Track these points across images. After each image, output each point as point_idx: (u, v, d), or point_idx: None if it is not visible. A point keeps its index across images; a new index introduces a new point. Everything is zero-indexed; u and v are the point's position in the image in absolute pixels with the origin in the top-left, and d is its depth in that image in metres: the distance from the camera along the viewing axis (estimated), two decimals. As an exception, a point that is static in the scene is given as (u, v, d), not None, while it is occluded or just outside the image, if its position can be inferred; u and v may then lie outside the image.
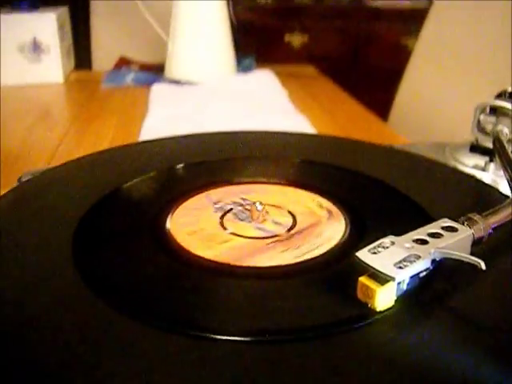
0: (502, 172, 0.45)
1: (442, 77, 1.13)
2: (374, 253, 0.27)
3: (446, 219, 0.30)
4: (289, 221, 0.37)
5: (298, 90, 1.04)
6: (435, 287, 0.28)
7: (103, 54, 1.47)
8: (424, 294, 0.27)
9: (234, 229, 0.36)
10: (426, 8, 1.22)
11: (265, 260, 0.32)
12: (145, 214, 0.38)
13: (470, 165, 0.50)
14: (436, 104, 1.12)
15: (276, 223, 0.36)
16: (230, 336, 0.25)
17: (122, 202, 0.40)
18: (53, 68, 1.07)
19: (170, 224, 0.36)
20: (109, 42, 1.49)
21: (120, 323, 0.25)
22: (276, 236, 0.35)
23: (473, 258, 0.27)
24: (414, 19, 1.38)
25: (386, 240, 0.28)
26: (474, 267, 0.26)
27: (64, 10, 1.15)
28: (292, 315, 0.27)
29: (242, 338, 0.25)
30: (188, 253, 0.33)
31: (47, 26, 1.05)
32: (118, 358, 0.23)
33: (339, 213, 0.38)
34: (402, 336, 0.25)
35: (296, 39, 2.07)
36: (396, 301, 0.26)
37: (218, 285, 0.30)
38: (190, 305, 0.27)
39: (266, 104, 0.92)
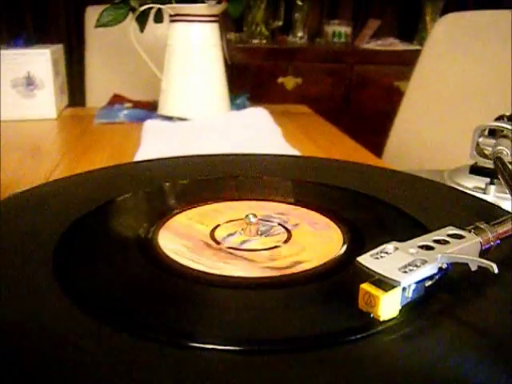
0: (503, 194, 0.44)
1: (434, 117, 1.14)
2: (377, 258, 0.25)
3: (451, 227, 0.29)
4: (284, 235, 0.36)
5: (292, 127, 1.05)
6: (441, 298, 0.27)
7: (97, 92, 1.48)
8: (430, 305, 0.26)
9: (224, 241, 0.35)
10: (418, 51, 1.24)
11: (261, 271, 0.31)
12: (129, 228, 0.37)
13: (470, 187, 0.49)
14: (429, 143, 1.13)
15: (270, 236, 0.36)
16: (223, 346, 0.23)
17: (105, 218, 0.39)
18: (46, 104, 1.07)
19: (157, 237, 0.35)
20: (103, 80, 1.50)
21: (104, 334, 0.24)
22: (270, 248, 0.34)
23: (484, 260, 0.25)
24: (406, 62, 1.40)
25: (389, 246, 0.26)
26: (484, 272, 0.25)
27: (59, 48, 1.16)
28: (288, 326, 0.25)
29: (234, 348, 0.23)
30: (173, 263, 0.32)
31: (41, 62, 1.05)
32: (102, 368, 0.22)
33: (337, 227, 0.37)
34: (407, 348, 0.23)
35: (289, 81, 2.09)
36: (400, 311, 0.25)
37: (207, 294, 0.29)
38: (175, 314, 0.26)
39: (259, 139, 0.92)
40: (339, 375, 0.22)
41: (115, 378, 0.21)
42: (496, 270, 0.25)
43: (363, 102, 2.15)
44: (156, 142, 0.88)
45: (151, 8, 1.02)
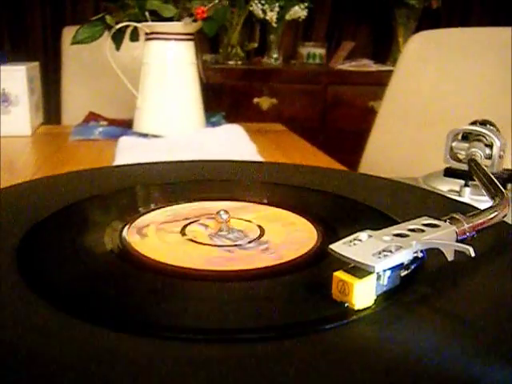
0: (477, 196, 0.45)
1: (406, 134, 1.16)
2: (350, 245, 0.25)
3: (426, 217, 0.29)
4: (256, 233, 0.36)
5: (267, 143, 1.05)
6: (417, 289, 0.26)
7: (72, 110, 1.48)
8: (405, 295, 0.26)
9: (194, 236, 0.35)
10: (392, 71, 1.26)
11: (235, 263, 0.31)
12: (96, 225, 0.37)
13: (445, 190, 0.50)
14: (402, 160, 1.14)
15: (240, 232, 0.36)
16: (200, 335, 0.23)
17: (71, 218, 0.39)
18: (21, 120, 1.07)
19: (125, 233, 0.35)
20: (78, 99, 1.50)
21: (69, 324, 0.24)
22: (237, 245, 0.34)
23: (460, 244, 0.25)
24: (380, 82, 1.42)
25: (363, 234, 0.26)
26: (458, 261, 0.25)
27: (35, 65, 1.16)
28: (263, 316, 0.25)
29: (209, 337, 0.23)
30: (139, 256, 0.32)
31: (17, 78, 1.05)
32: (68, 358, 0.22)
33: (310, 224, 0.37)
34: (381, 337, 0.23)
35: (265, 101, 2.10)
36: (375, 300, 0.24)
37: (182, 287, 0.29)
38: (137, 304, 0.26)
39: (234, 155, 0.92)
40: (314, 363, 0.21)
41: (81, 368, 0.21)
42: (473, 254, 0.24)
43: (338, 121, 2.16)
44: (130, 158, 0.88)
45: (127, 26, 1.03)
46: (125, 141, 0.98)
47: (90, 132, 1.07)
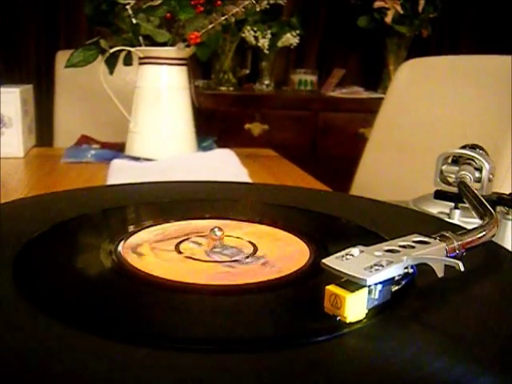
0: (467, 218, 0.45)
1: (396, 160, 1.17)
2: (342, 260, 0.25)
3: (416, 234, 0.29)
4: (249, 249, 0.36)
5: (258, 168, 1.06)
6: (408, 304, 0.27)
7: (65, 134, 1.48)
8: (396, 310, 0.26)
9: (190, 253, 0.35)
10: (382, 99, 1.27)
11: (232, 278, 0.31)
12: (90, 242, 0.37)
13: (435, 212, 0.50)
14: (392, 186, 1.15)
15: (235, 248, 0.36)
16: (193, 345, 0.24)
17: (69, 233, 0.40)
18: (13, 142, 1.07)
19: (121, 248, 0.36)
20: (71, 122, 1.51)
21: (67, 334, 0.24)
22: (235, 261, 0.34)
23: (450, 259, 0.25)
24: (371, 109, 1.43)
25: (355, 249, 0.26)
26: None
27: (29, 88, 1.16)
28: (256, 328, 0.26)
29: (204, 347, 0.23)
30: (134, 270, 0.32)
31: (11, 100, 1.05)
32: (62, 365, 0.22)
33: (302, 242, 0.38)
34: (373, 350, 0.23)
35: (256, 127, 2.12)
36: (367, 314, 0.25)
37: (195, 302, 0.29)
38: (132, 315, 0.27)
39: (225, 178, 0.92)
40: (305, 375, 0.22)
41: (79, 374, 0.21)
42: (462, 268, 0.25)
43: (329, 148, 2.18)
44: (122, 180, 0.88)
45: (121, 50, 1.04)
46: (117, 163, 0.99)
47: (82, 154, 1.07)
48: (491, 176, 0.48)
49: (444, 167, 0.50)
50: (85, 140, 1.21)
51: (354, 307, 0.24)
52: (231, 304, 0.29)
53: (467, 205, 0.42)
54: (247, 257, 0.35)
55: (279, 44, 2.24)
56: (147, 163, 1.00)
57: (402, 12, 2.17)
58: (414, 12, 2.19)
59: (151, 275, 0.32)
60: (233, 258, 0.35)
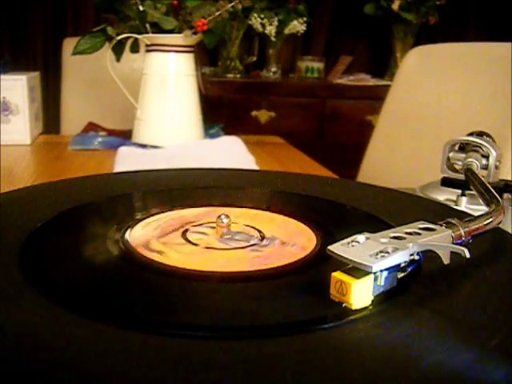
0: (474, 205, 0.45)
1: (404, 147, 1.17)
2: (348, 247, 0.25)
3: (423, 221, 0.29)
4: (256, 233, 0.36)
5: (265, 155, 1.06)
6: (414, 291, 0.27)
7: (72, 121, 1.48)
8: (402, 296, 0.26)
9: (205, 243, 0.35)
10: (389, 86, 1.27)
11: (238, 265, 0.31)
12: (97, 229, 0.38)
13: (442, 199, 0.50)
14: (399, 173, 1.15)
15: (243, 233, 0.36)
16: (206, 332, 0.24)
17: (76, 220, 0.40)
18: (20, 130, 1.07)
19: (128, 236, 0.36)
20: (78, 109, 1.51)
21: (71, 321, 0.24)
22: (253, 245, 0.34)
23: (456, 246, 0.25)
24: (378, 97, 1.43)
25: (361, 236, 0.26)
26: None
27: (36, 75, 1.17)
28: (265, 315, 0.26)
29: (212, 334, 0.24)
30: (141, 257, 0.32)
31: (18, 88, 1.06)
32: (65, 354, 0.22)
33: (309, 229, 0.37)
34: (379, 336, 0.23)
35: (263, 115, 2.11)
36: (373, 301, 0.25)
37: (192, 288, 0.29)
38: (143, 303, 0.27)
39: (232, 166, 0.92)
40: (312, 361, 0.22)
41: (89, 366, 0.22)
42: (468, 255, 0.25)
43: (336, 135, 2.17)
44: (129, 167, 0.88)
45: (128, 38, 1.04)
46: (124, 150, 0.99)
47: (89, 142, 1.08)
48: (498, 163, 0.47)
49: (451, 154, 0.50)
50: (92, 127, 1.22)
51: (360, 294, 0.24)
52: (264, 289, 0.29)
53: (474, 192, 0.42)
54: (261, 239, 0.35)
55: (286, 31, 2.23)
56: (154, 150, 1.01)
57: (409, -1, 2.16)
58: (421, -1, 2.18)
59: (182, 269, 0.31)
60: (249, 243, 0.34)
